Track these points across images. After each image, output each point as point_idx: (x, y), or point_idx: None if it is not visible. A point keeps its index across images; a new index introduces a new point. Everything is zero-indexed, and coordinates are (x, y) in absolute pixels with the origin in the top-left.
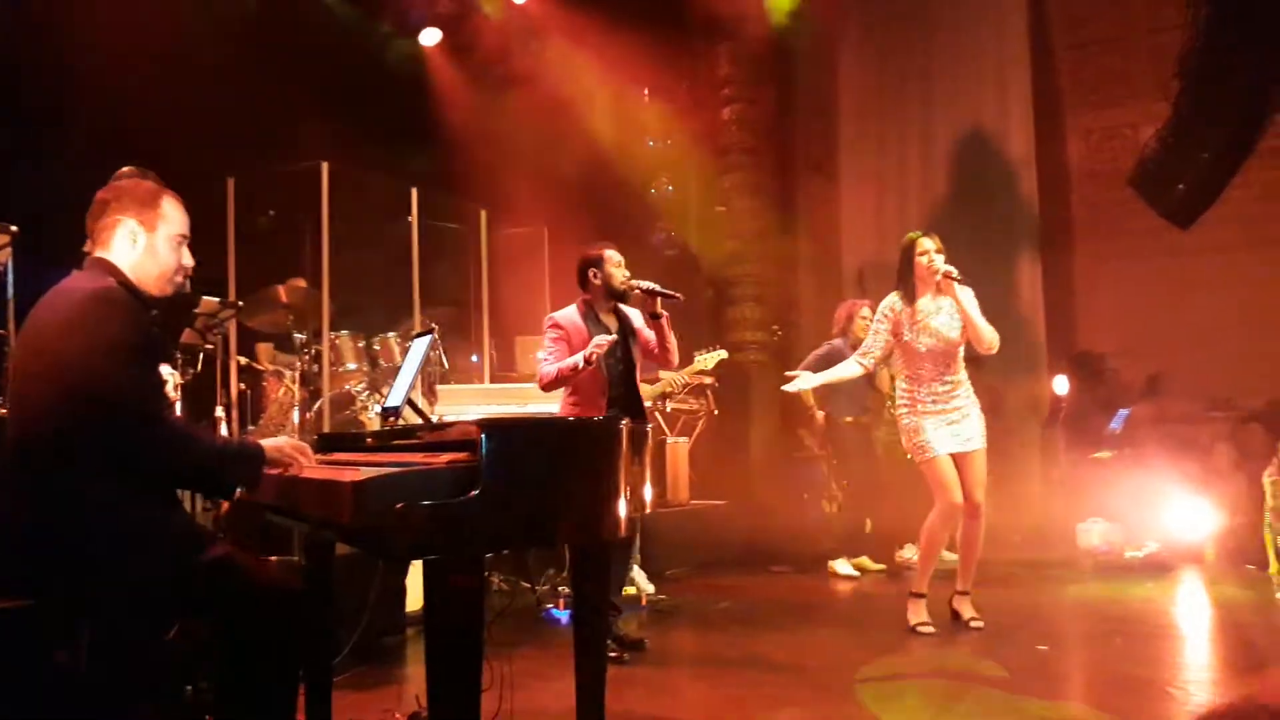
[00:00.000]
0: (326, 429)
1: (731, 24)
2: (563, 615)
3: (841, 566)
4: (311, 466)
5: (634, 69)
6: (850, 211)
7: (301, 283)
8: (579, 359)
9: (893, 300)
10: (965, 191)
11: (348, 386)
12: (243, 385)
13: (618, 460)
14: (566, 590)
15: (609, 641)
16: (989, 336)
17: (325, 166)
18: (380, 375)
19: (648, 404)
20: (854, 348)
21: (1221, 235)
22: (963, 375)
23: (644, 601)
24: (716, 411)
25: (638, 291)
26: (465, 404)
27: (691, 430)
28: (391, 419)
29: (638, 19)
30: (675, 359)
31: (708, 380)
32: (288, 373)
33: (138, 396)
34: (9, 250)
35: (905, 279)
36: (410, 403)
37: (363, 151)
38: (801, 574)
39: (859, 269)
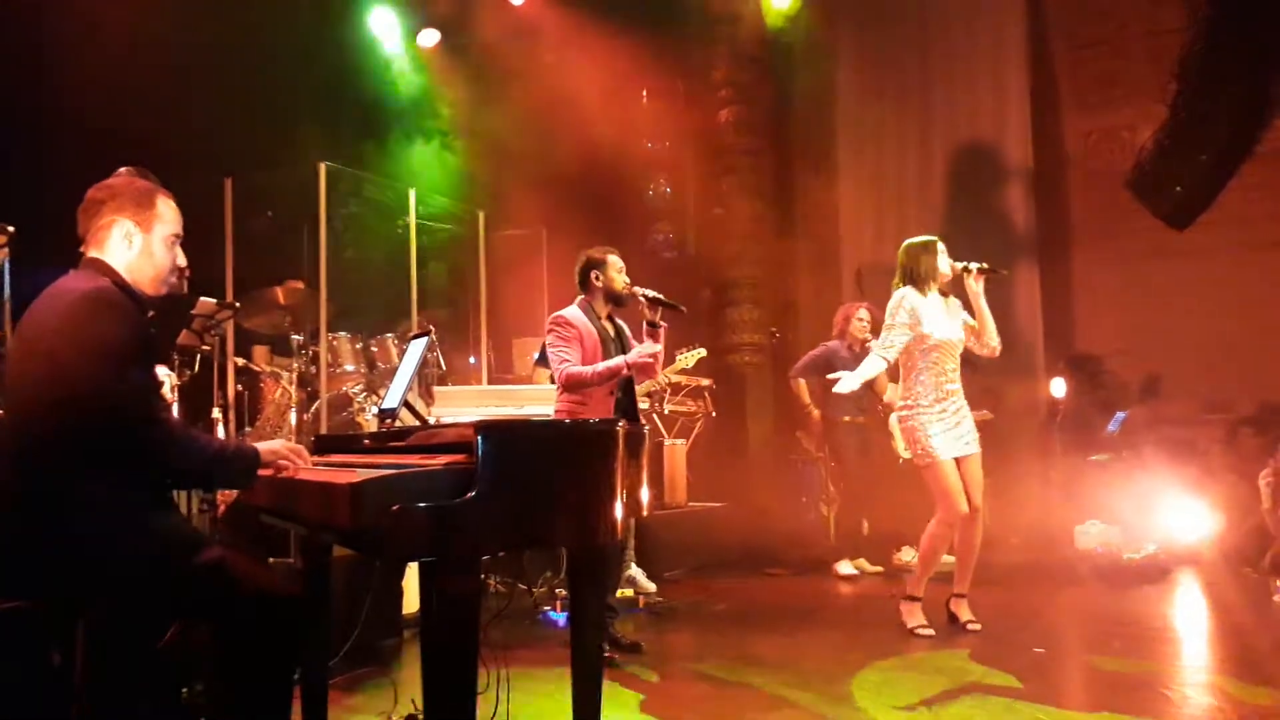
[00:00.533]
0: (324, 430)
1: (729, 25)
2: (560, 617)
3: (844, 567)
4: (307, 468)
5: (632, 71)
6: (848, 213)
7: (299, 284)
8: (620, 362)
9: (908, 293)
10: (963, 193)
11: (345, 388)
12: (240, 387)
13: (614, 463)
14: (563, 592)
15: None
16: (997, 337)
17: (323, 167)
18: (378, 377)
19: (641, 405)
20: (850, 350)
21: (1219, 237)
22: (958, 376)
23: (642, 604)
24: (714, 413)
25: (642, 299)
26: (463, 406)
27: (689, 432)
28: (389, 421)
29: (635, 21)
30: (660, 371)
31: (704, 382)
32: (285, 374)
33: (133, 397)
34: (6, 250)
35: (917, 276)
36: (407, 404)
37: (361, 152)
38: (799, 576)
39: (857, 271)
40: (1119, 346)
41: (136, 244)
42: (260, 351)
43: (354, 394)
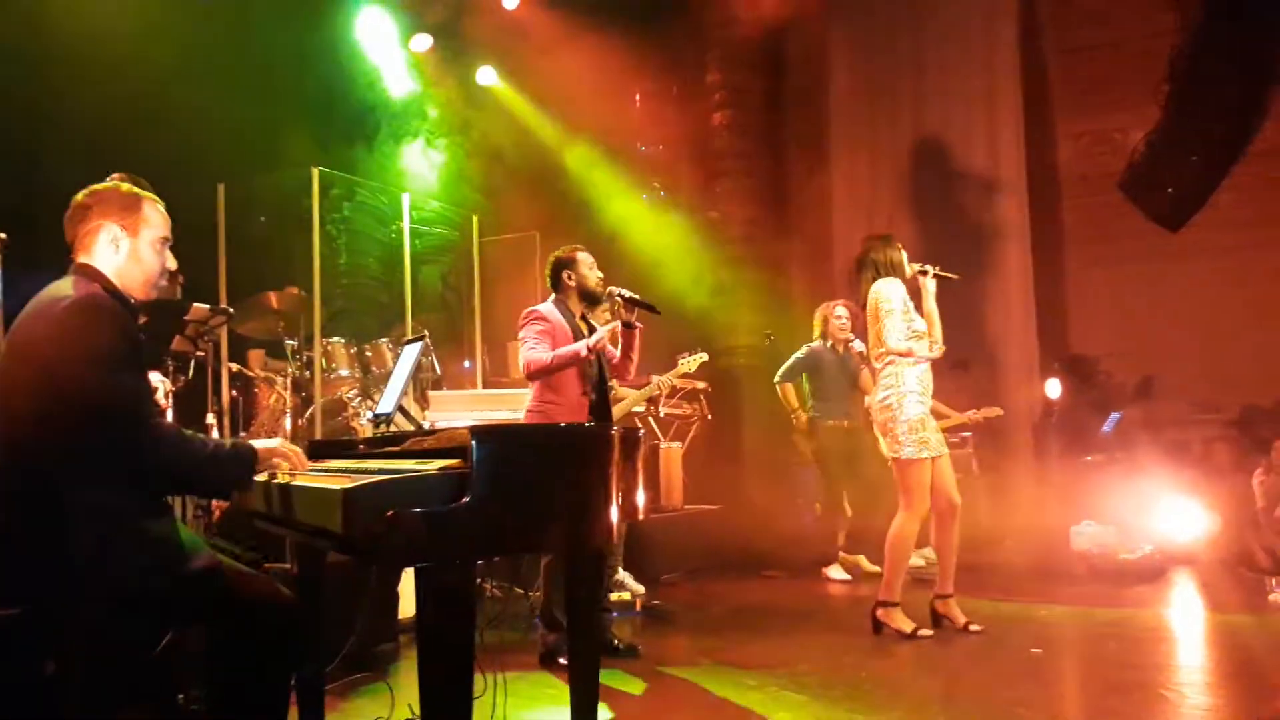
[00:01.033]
0: (318, 436)
1: (722, 29)
2: None
3: (834, 572)
4: (304, 469)
5: (625, 74)
6: (842, 216)
7: (293, 289)
8: (581, 346)
9: (894, 282)
10: (956, 195)
11: (340, 393)
12: (234, 392)
13: (609, 467)
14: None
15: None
16: (942, 339)
17: (316, 172)
18: (372, 381)
19: (639, 409)
20: (834, 350)
21: (1211, 238)
22: None
23: (638, 606)
24: (710, 416)
25: (619, 299)
26: (457, 410)
27: (685, 435)
28: (383, 425)
29: (628, 25)
30: (633, 373)
31: (700, 385)
32: (279, 379)
33: (126, 402)
34: None
35: (892, 267)
36: (402, 409)
37: (354, 157)
38: (795, 579)
39: (850, 273)
40: (1112, 347)
41: (124, 248)
42: (255, 356)
43: (348, 399)
